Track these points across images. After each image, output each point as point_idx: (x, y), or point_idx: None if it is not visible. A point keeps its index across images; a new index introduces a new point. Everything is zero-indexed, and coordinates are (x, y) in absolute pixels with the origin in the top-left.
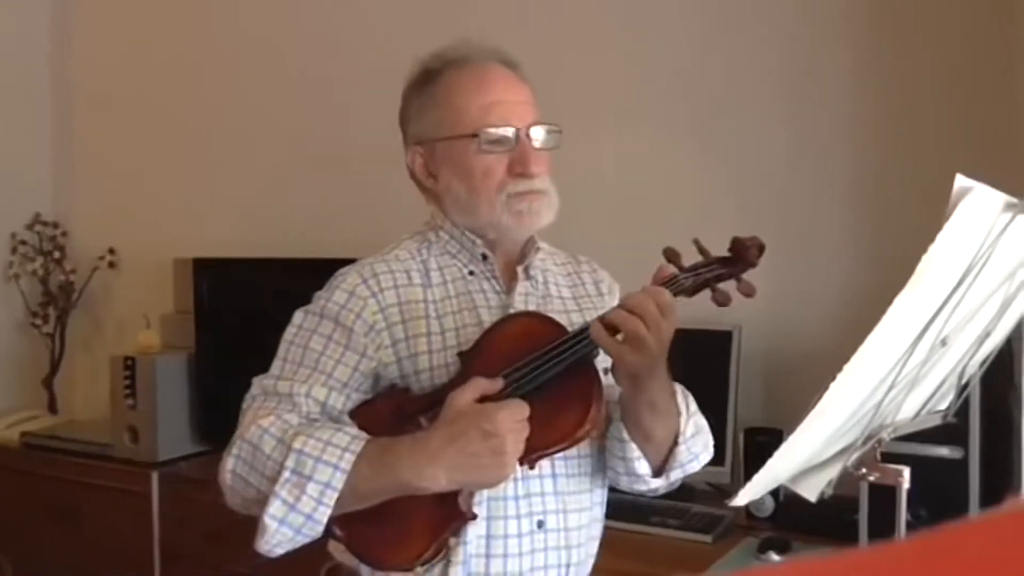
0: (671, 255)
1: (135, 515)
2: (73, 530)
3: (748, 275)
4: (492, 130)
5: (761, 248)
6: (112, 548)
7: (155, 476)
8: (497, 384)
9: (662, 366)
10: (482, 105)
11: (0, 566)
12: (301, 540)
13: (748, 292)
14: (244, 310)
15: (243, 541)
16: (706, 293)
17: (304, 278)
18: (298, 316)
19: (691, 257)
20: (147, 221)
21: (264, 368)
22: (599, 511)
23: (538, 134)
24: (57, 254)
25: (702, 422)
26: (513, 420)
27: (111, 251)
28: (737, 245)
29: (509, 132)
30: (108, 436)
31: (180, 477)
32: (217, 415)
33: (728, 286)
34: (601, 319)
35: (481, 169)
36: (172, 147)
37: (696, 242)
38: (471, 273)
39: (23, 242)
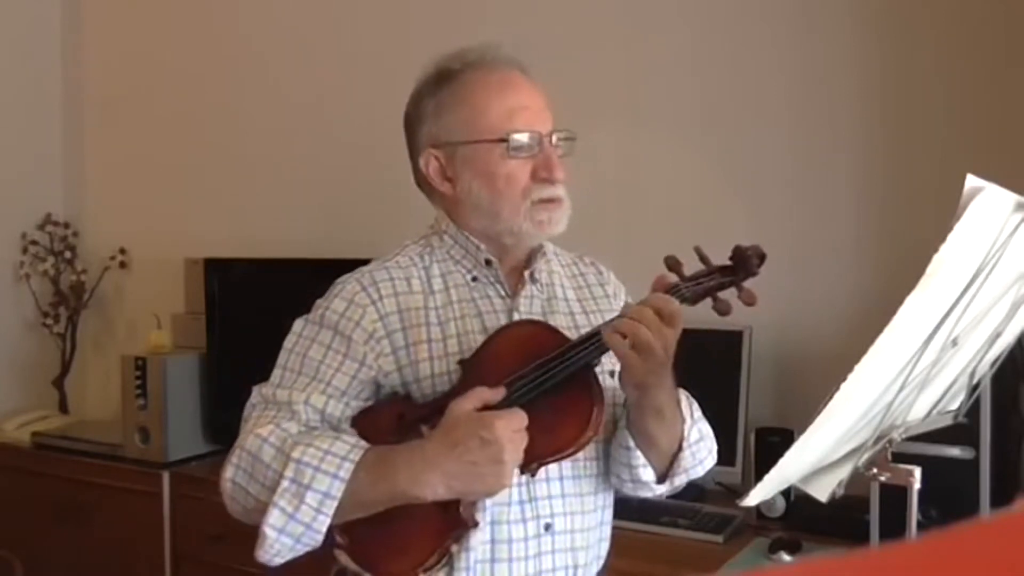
0: (672, 263)
1: (146, 515)
2: (83, 530)
3: (752, 282)
4: (519, 136)
5: (762, 256)
6: (123, 548)
7: (166, 476)
8: (499, 393)
9: (668, 375)
10: (508, 109)
11: (11, 566)
12: (301, 549)
13: (749, 301)
14: (255, 310)
15: (253, 542)
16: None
17: (315, 278)
18: (298, 324)
19: (692, 263)
20: (158, 221)
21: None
22: (607, 513)
23: (559, 141)
24: (68, 254)
25: (706, 428)
26: (511, 429)
27: (122, 251)
28: (738, 254)
29: (534, 138)
30: (119, 436)
31: (191, 477)
32: (228, 415)
33: (729, 295)
34: (610, 324)
35: (504, 174)
36: (182, 148)
37: (697, 250)
38: (474, 279)
39: (34, 242)
